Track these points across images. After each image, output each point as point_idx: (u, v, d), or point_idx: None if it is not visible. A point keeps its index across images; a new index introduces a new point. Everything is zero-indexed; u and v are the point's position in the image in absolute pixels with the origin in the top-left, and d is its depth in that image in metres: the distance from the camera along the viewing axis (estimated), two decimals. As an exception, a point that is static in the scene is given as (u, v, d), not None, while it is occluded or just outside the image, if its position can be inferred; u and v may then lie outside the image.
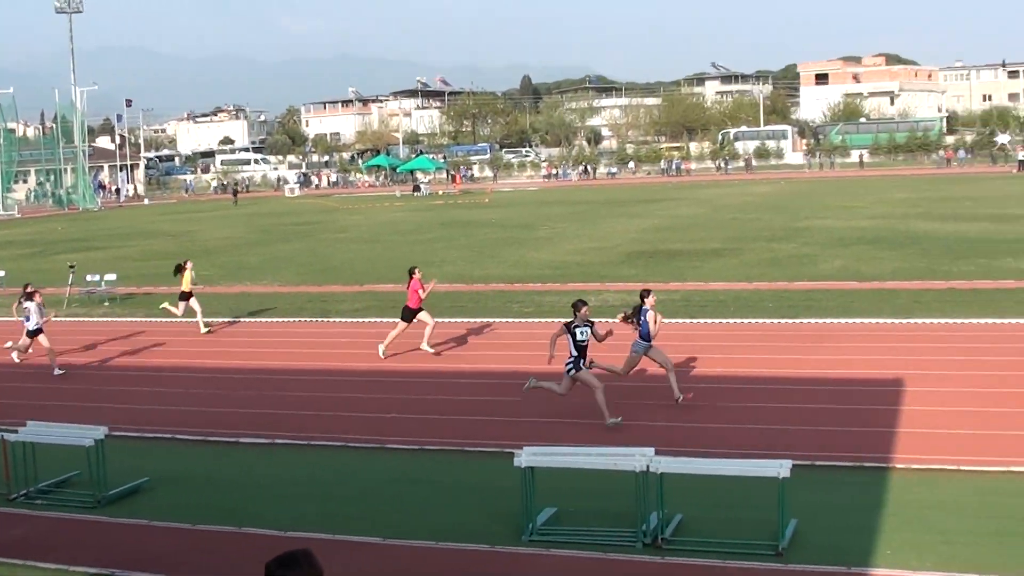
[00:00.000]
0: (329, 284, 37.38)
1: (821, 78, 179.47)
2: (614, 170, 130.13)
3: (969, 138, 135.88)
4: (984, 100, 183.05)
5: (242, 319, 30.59)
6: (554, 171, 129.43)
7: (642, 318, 18.84)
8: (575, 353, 17.81)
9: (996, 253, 37.89)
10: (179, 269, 28.60)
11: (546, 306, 30.06)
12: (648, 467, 12.78)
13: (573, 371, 17.83)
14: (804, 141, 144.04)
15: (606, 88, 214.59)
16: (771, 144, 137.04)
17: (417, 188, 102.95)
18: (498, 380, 21.78)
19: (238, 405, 20.94)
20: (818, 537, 12.83)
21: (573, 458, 13.80)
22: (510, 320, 28.43)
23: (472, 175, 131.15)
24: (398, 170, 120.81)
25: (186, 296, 28.43)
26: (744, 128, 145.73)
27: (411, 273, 24.28)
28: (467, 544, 13.15)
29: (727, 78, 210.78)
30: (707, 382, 20.65)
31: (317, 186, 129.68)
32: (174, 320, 29.50)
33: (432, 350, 24.40)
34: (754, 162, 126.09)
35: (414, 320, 24.19)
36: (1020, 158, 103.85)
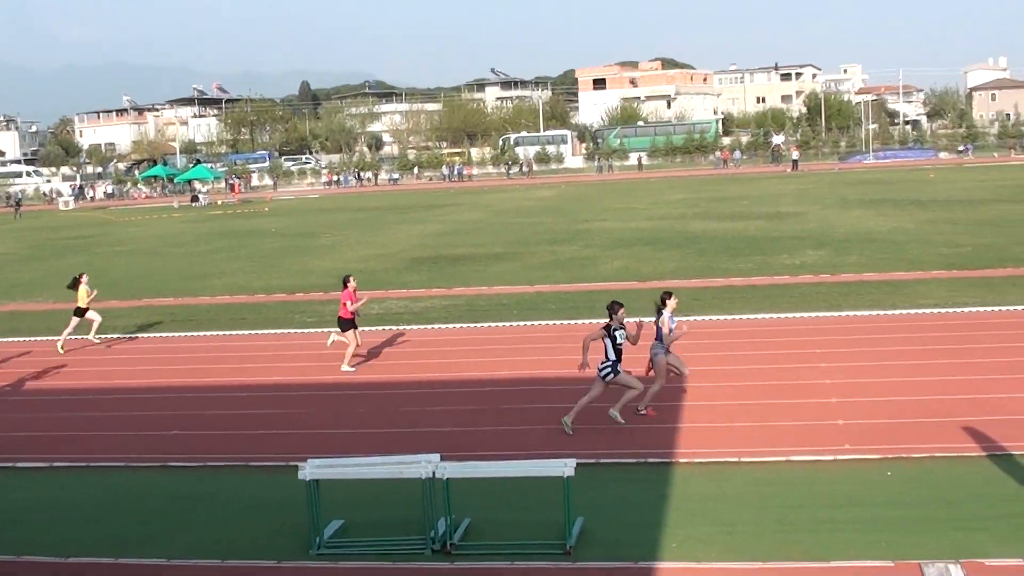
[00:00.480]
0: (107, 300, 36.22)
1: (599, 83, 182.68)
2: (396, 176, 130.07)
3: (744, 139, 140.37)
4: (758, 102, 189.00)
5: (11, 338, 29.45)
6: (335, 178, 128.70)
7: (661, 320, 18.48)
8: (613, 357, 17.15)
9: (771, 250, 39.02)
10: (75, 283, 27.34)
11: (328, 315, 29.65)
12: (434, 473, 12.69)
13: (611, 376, 17.14)
14: (584, 145, 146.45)
15: (386, 93, 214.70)
16: (551, 148, 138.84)
17: (195, 198, 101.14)
18: (281, 392, 21.40)
19: (14, 428, 20.06)
20: (605, 534, 12.92)
21: (358, 468, 13.60)
22: (292, 331, 28.00)
23: (251, 184, 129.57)
24: (176, 180, 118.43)
25: (81, 311, 27.16)
26: (524, 133, 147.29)
27: (345, 282, 23.19)
28: (254, 560, 12.85)
29: (507, 84, 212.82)
30: (492, 385, 20.69)
31: (92, 198, 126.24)
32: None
33: (353, 370, 23.01)
34: (535, 166, 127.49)
35: (355, 328, 22.95)
36: (794, 158, 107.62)
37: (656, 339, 18.22)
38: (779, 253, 38.14)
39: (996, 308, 25.93)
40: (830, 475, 14.74)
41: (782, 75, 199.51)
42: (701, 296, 29.74)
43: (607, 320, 17.35)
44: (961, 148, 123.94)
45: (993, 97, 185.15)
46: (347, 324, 22.75)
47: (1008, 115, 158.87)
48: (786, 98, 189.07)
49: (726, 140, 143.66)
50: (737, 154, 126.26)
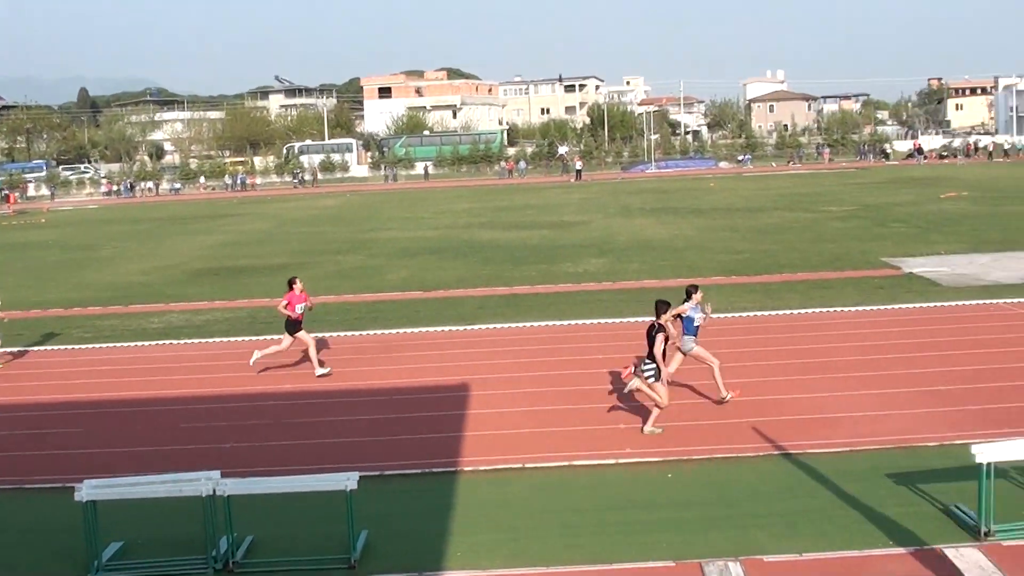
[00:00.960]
0: None
1: (384, 92, 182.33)
2: (178, 186, 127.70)
3: (529, 150, 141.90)
4: (543, 113, 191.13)
5: None
6: (115, 188, 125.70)
7: (690, 314, 18.37)
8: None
9: (555, 258, 39.50)
10: None
11: (107, 330, 28.91)
12: (214, 490, 12.44)
13: (655, 378, 16.91)
14: (369, 154, 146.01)
15: (168, 101, 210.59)
16: (336, 157, 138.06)
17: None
18: (56, 411, 20.62)
19: None
20: (390, 545, 12.86)
21: (136, 488, 13.21)
22: (69, 347, 27.08)
23: (27, 194, 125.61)
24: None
25: None
26: (309, 142, 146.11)
27: (290, 284, 22.29)
28: (29, 586, 12.43)
29: (291, 91, 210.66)
30: (275, 398, 20.42)
31: None
32: None
33: (257, 371, 22.16)
34: (319, 175, 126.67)
35: (301, 332, 22.10)
36: (578, 168, 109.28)
37: (685, 333, 18.35)
38: (563, 261, 38.64)
39: (772, 312, 26.75)
40: (612, 478, 14.98)
41: (566, 87, 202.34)
42: (486, 304, 29.90)
43: (654, 319, 17.25)
44: (740, 158, 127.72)
45: (771, 108, 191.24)
46: (294, 327, 22.08)
47: (785, 126, 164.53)
48: (570, 109, 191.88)
49: (511, 150, 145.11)
50: (522, 164, 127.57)
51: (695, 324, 18.48)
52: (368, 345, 25.09)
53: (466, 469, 15.58)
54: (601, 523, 13.25)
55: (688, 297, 18.54)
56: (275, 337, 23.17)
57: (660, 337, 16.90)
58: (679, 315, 18.25)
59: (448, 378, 21.16)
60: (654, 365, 16.93)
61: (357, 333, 26.63)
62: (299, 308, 22.11)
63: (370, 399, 20.01)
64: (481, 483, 15.03)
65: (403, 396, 20.05)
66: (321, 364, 22.30)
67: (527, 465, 15.60)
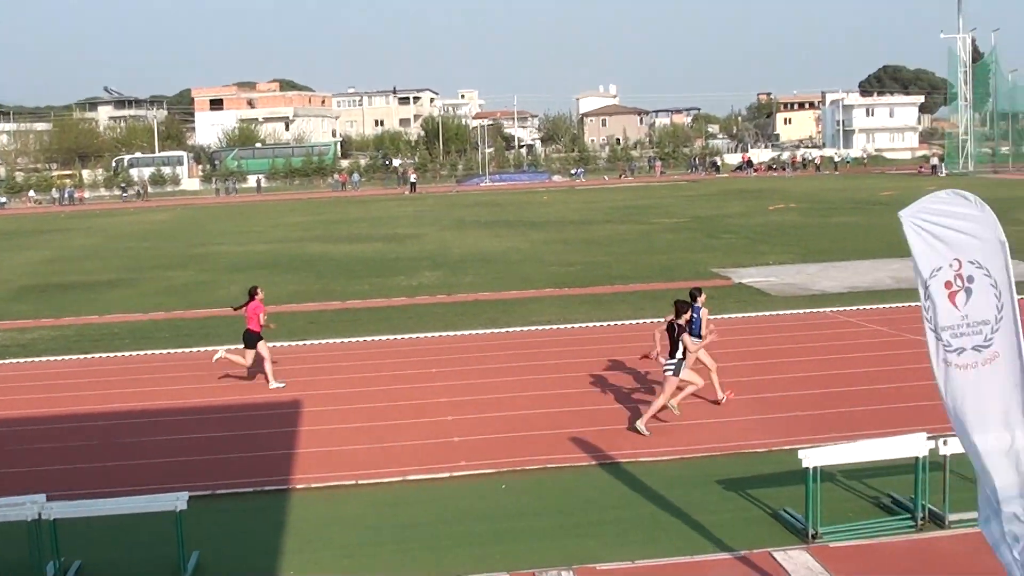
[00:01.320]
0: None
1: (216, 103, 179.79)
2: (3, 200, 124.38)
3: (363, 162, 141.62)
4: (377, 125, 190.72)
5: None
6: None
7: (695, 315, 18.33)
8: (681, 356, 17.18)
9: (389, 272, 39.45)
10: None
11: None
12: (40, 514, 12.10)
13: (675, 372, 17.17)
14: (200, 167, 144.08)
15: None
16: (167, 170, 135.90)
17: None
18: None
19: None
20: (222, 566, 12.70)
21: (-43, 512, 12.82)
22: None
23: None
24: None
25: None
26: (139, 154, 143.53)
27: (252, 294, 21.80)
28: None
29: (121, 103, 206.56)
30: (103, 418, 19.95)
31: None
32: None
33: (282, 384, 21.59)
34: (150, 189, 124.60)
35: (257, 346, 21.61)
36: (412, 180, 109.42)
37: (691, 334, 18.17)
38: (397, 275, 38.59)
39: (604, 323, 27.04)
40: (446, 491, 14.98)
41: (400, 99, 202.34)
42: (318, 319, 29.69)
43: (671, 317, 17.45)
44: (573, 171, 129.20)
45: (604, 122, 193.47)
46: (255, 338, 21.64)
47: (618, 139, 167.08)
48: (404, 121, 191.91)
49: (344, 163, 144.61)
50: (356, 177, 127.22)
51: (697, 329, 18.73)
52: (197, 362, 24.66)
53: (298, 487, 15.43)
54: (435, 536, 13.24)
55: (693, 300, 18.79)
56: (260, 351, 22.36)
57: (685, 336, 17.27)
58: (689, 320, 18.48)
59: (279, 394, 20.95)
60: (674, 361, 17.28)
61: (186, 350, 26.19)
62: (262, 318, 21.90)
63: (199, 417, 19.70)
64: (314, 500, 14.90)
65: (233, 413, 19.78)
66: (277, 378, 21.84)
67: (360, 481, 15.50)
